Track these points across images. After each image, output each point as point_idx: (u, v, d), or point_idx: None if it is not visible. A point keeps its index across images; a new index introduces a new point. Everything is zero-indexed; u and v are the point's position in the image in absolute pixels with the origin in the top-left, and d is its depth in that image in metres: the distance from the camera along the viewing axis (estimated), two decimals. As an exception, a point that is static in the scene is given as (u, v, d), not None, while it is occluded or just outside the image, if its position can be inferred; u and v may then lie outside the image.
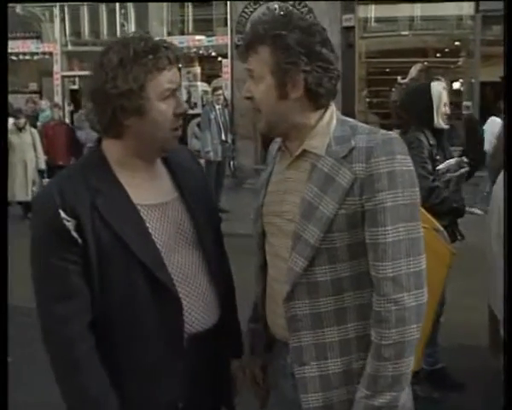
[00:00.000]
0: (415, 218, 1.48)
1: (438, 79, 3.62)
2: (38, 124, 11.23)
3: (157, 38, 1.53)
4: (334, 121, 1.55)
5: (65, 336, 1.46)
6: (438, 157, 3.41)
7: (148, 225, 1.52)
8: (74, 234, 1.44)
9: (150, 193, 1.57)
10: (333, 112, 1.57)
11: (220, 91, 9.60)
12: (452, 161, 3.46)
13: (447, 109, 3.52)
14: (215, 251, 1.68)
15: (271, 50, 1.49)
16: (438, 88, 3.51)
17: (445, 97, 3.50)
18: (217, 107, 9.21)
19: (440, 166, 3.36)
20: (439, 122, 3.47)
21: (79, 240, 1.44)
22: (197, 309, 1.57)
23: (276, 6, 12.29)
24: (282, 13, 1.55)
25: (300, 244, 1.50)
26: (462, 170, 3.46)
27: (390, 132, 1.53)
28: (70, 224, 1.43)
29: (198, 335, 1.57)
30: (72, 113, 11.73)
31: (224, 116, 9.40)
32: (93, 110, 1.52)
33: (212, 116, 9.05)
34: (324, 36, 1.52)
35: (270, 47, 1.49)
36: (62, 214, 1.43)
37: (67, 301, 1.45)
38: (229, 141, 9.72)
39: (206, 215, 1.66)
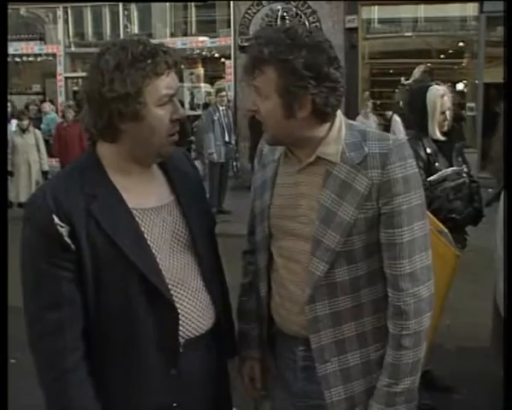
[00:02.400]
0: (424, 216, 1.58)
1: (437, 84, 3.36)
2: (42, 126, 11.23)
3: (155, 42, 1.49)
4: (344, 128, 1.59)
5: (56, 346, 1.43)
6: (437, 164, 3.22)
7: (143, 229, 1.49)
8: (67, 240, 1.40)
9: (146, 197, 1.54)
10: (341, 119, 1.60)
11: (224, 93, 9.60)
12: (449, 170, 3.26)
13: (447, 117, 3.26)
14: (209, 255, 1.66)
15: (278, 73, 1.47)
16: (435, 94, 3.25)
17: (444, 105, 3.24)
18: (220, 108, 9.21)
19: (432, 178, 3.19)
20: (435, 132, 3.24)
21: (72, 246, 1.41)
22: (193, 314, 1.55)
23: (280, 7, 12.29)
24: (286, 30, 1.50)
25: (320, 249, 1.55)
26: (460, 180, 3.27)
27: (400, 138, 1.61)
28: (63, 230, 1.40)
29: (194, 339, 1.55)
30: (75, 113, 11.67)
31: (228, 117, 9.39)
32: (88, 113, 1.48)
33: (216, 117, 9.05)
34: (331, 53, 1.50)
35: (278, 70, 1.47)
36: (56, 220, 1.39)
37: (59, 310, 1.42)
38: (233, 142, 9.71)
39: (200, 219, 1.64)
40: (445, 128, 3.30)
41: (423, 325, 1.56)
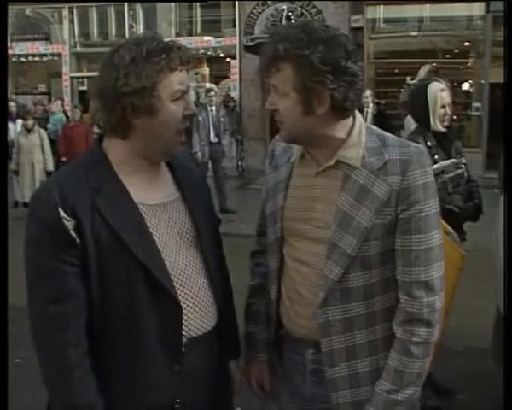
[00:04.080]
0: (439, 225, 1.56)
1: (436, 80, 3.50)
2: (49, 126, 11.24)
3: (169, 40, 1.51)
4: (364, 132, 1.57)
5: (59, 340, 1.42)
6: (436, 157, 3.30)
7: (149, 225, 1.50)
8: (73, 234, 1.40)
9: (152, 193, 1.54)
10: (361, 122, 1.58)
11: (213, 93, 9.43)
12: (447, 162, 3.34)
13: (447, 111, 3.40)
14: (214, 253, 1.66)
15: (295, 69, 1.45)
16: (435, 89, 3.38)
17: (444, 99, 3.37)
18: (209, 108, 9.13)
19: (434, 167, 3.25)
20: (436, 125, 3.36)
21: (78, 240, 1.40)
22: (196, 313, 1.55)
23: (285, 7, 12.30)
24: (301, 26, 1.48)
25: (336, 253, 1.53)
26: (459, 171, 3.35)
27: (419, 145, 1.59)
28: (69, 223, 1.40)
29: (197, 338, 1.55)
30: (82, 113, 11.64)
31: (218, 118, 9.28)
32: (101, 109, 1.48)
33: (201, 118, 8.94)
34: (348, 47, 1.47)
35: (294, 66, 1.45)
36: (62, 213, 1.39)
37: (63, 304, 1.42)
38: (224, 142, 9.54)
39: (205, 217, 1.65)
40: (446, 123, 3.41)
41: (434, 337, 1.54)
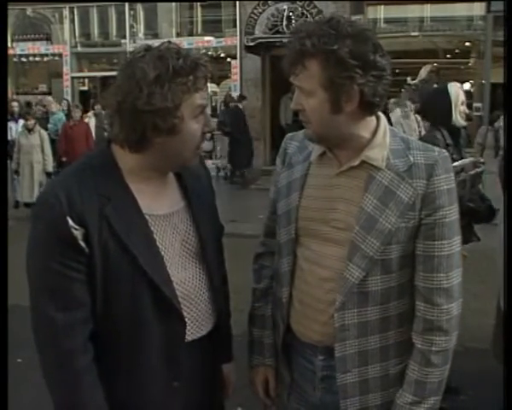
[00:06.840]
0: (460, 231, 1.55)
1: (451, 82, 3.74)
2: (49, 126, 11.23)
3: (194, 55, 1.44)
4: (388, 133, 1.54)
5: (66, 347, 1.39)
6: (454, 156, 3.33)
7: (155, 237, 1.46)
8: (82, 243, 1.36)
9: (159, 203, 1.50)
10: (385, 123, 1.55)
11: None
12: (467, 160, 3.42)
13: (465, 108, 3.59)
14: (216, 263, 1.63)
15: (323, 66, 1.40)
16: (455, 87, 3.62)
17: (462, 97, 3.57)
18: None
19: (455, 164, 3.25)
20: (458, 119, 3.51)
21: (86, 249, 1.37)
22: (196, 322, 1.54)
23: (286, 7, 12.30)
24: (327, 21, 1.42)
25: (358, 255, 1.49)
26: (478, 169, 3.41)
27: (442, 150, 1.56)
28: (78, 232, 1.36)
29: (192, 342, 1.53)
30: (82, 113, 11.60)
31: None
32: (118, 123, 1.41)
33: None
34: (375, 40, 1.44)
35: (322, 62, 1.40)
36: (70, 222, 1.35)
37: (70, 311, 1.38)
38: None
39: (210, 226, 1.61)
40: (464, 118, 3.59)
41: (452, 344, 1.53)
